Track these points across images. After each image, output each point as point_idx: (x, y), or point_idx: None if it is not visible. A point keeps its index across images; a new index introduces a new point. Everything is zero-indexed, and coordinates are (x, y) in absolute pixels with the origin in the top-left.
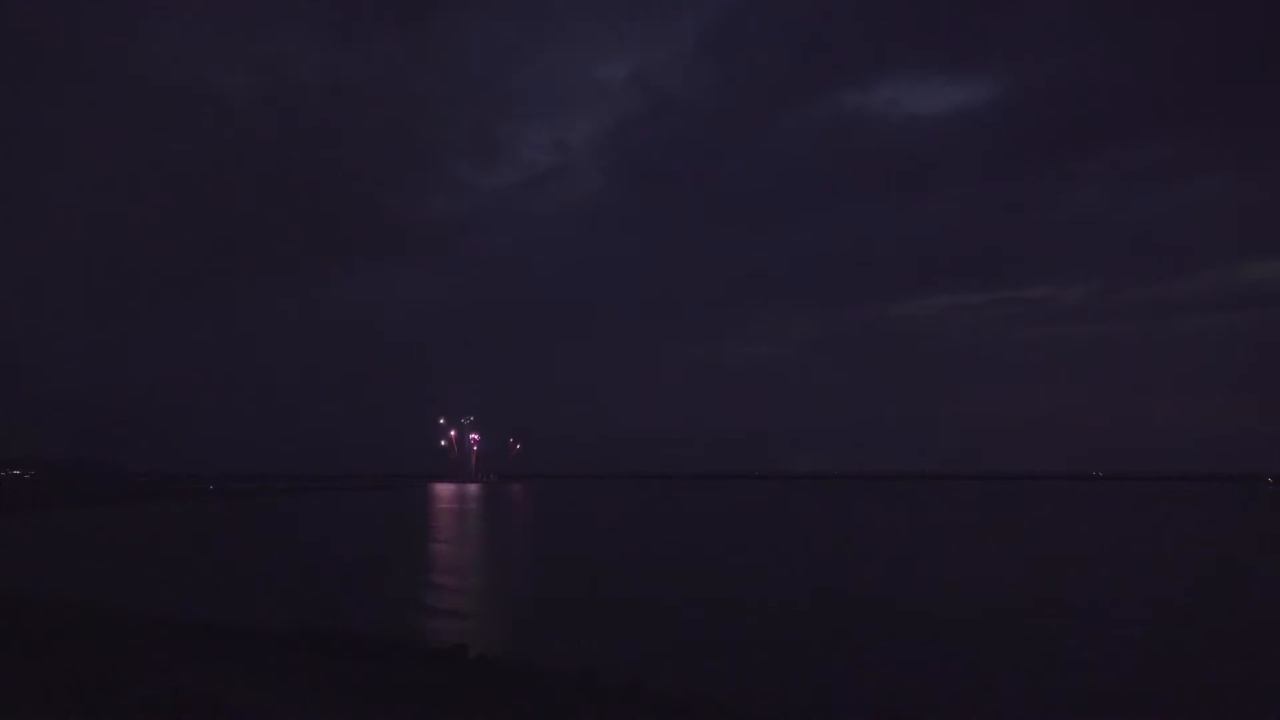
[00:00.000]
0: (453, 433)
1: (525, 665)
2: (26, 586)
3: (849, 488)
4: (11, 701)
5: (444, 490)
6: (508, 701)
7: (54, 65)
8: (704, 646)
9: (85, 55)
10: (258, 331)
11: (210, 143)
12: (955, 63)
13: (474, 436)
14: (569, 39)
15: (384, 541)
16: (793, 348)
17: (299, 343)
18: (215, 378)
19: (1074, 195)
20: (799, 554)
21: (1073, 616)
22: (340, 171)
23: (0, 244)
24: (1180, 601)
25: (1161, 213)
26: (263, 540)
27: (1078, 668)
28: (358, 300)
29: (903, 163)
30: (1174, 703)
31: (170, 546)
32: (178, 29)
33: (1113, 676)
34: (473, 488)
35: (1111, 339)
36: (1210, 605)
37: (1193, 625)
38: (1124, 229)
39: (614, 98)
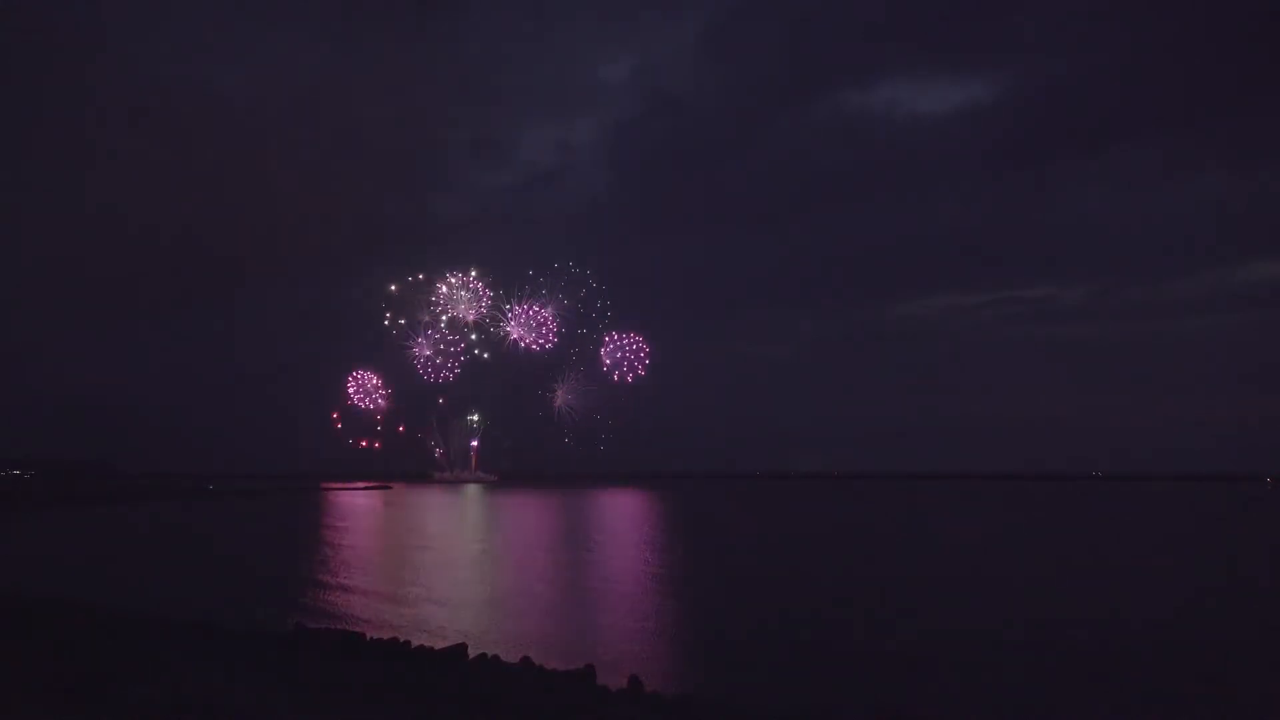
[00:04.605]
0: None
1: (525, 665)
2: (26, 586)
3: (849, 488)
4: (12, 701)
5: (436, 490)
6: (508, 701)
7: (49, 65)
8: (703, 645)
9: (81, 55)
10: (256, 332)
11: (208, 142)
12: (956, 63)
13: (474, 442)
14: (570, 39)
15: (379, 541)
16: (793, 348)
17: (298, 343)
18: (214, 379)
19: (1074, 195)
20: (797, 554)
21: (1072, 616)
22: (341, 172)
23: None
24: (1179, 602)
25: (1161, 213)
26: (262, 540)
27: (1077, 667)
28: (358, 301)
29: (904, 162)
30: (1173, 703)
31: (169, 547)
32: (176, 28)
33: (1112, 677)
34: (471, 488)
35: (1111, 339)
36: (1210, 606)
37: (1192, 626)
38: (1124, 229)
39: (615, 97)
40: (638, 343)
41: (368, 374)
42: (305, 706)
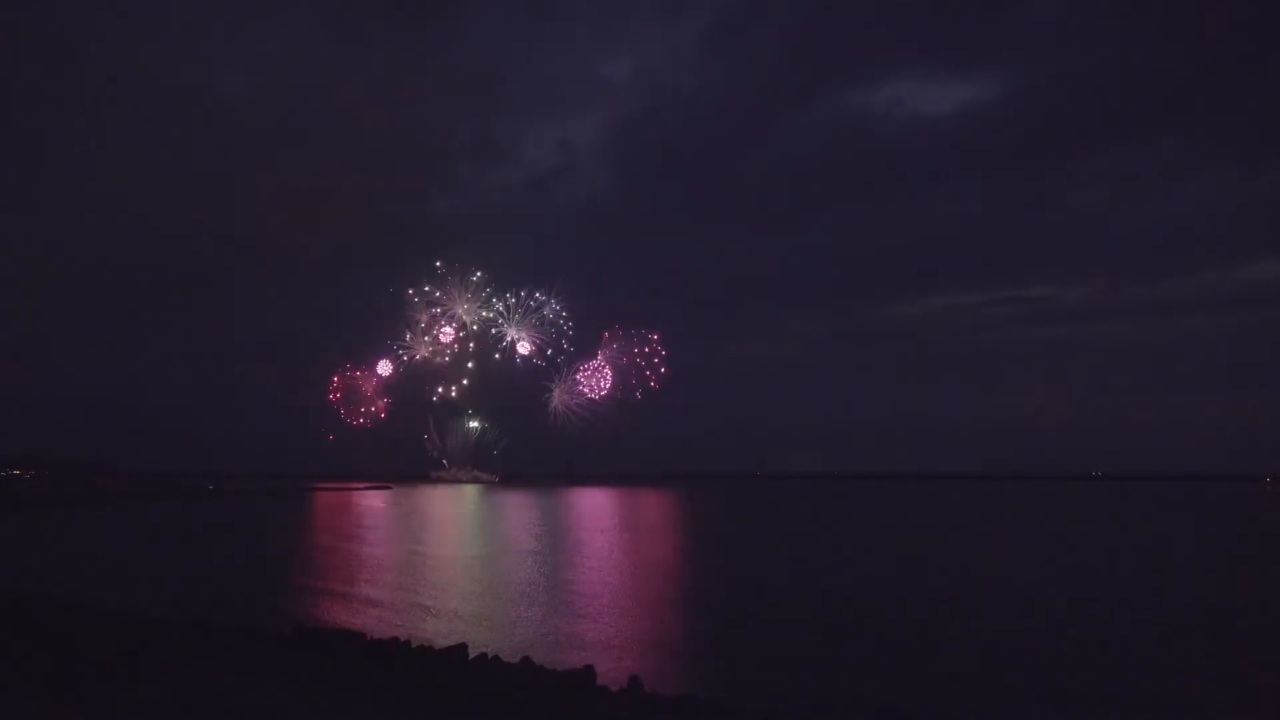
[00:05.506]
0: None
1: (525, 665)
2: (26, 586)
3: (849, 488)
4: (13, 701)
5: (435, 491)
6: (508, 701)
7: (49, 64)
8: (704, 645)
9: (86, 55)
10: (256, 332)
11: (208, 142)
12: (957, 63)
13: (473, 424)
14: (572, 37)
15: (378, 542)
16: (793, 348)
17: (298, 343)
18: (214, 379)
19: (1074, 195)
20: (796, 554)
21: (1071, 617)
22: (341, 172)
23: None
24: (1180, 603)
25: (1161, 213)
26: (261, 540)
27: (1077, 668)
28: (358, 301)
29: (904, 162)
30: (1173, 704)
31: (169, 547)
32: (177, 29)
33: (1112, 677)
34: (470, 488)
35: (1112, 339)
36: (1210, 607)
37: (1192, 627)
38: (1124, 229)
39: (617, 97)
40: (653, 342)
41: (366, 372)
42: (305, 706)
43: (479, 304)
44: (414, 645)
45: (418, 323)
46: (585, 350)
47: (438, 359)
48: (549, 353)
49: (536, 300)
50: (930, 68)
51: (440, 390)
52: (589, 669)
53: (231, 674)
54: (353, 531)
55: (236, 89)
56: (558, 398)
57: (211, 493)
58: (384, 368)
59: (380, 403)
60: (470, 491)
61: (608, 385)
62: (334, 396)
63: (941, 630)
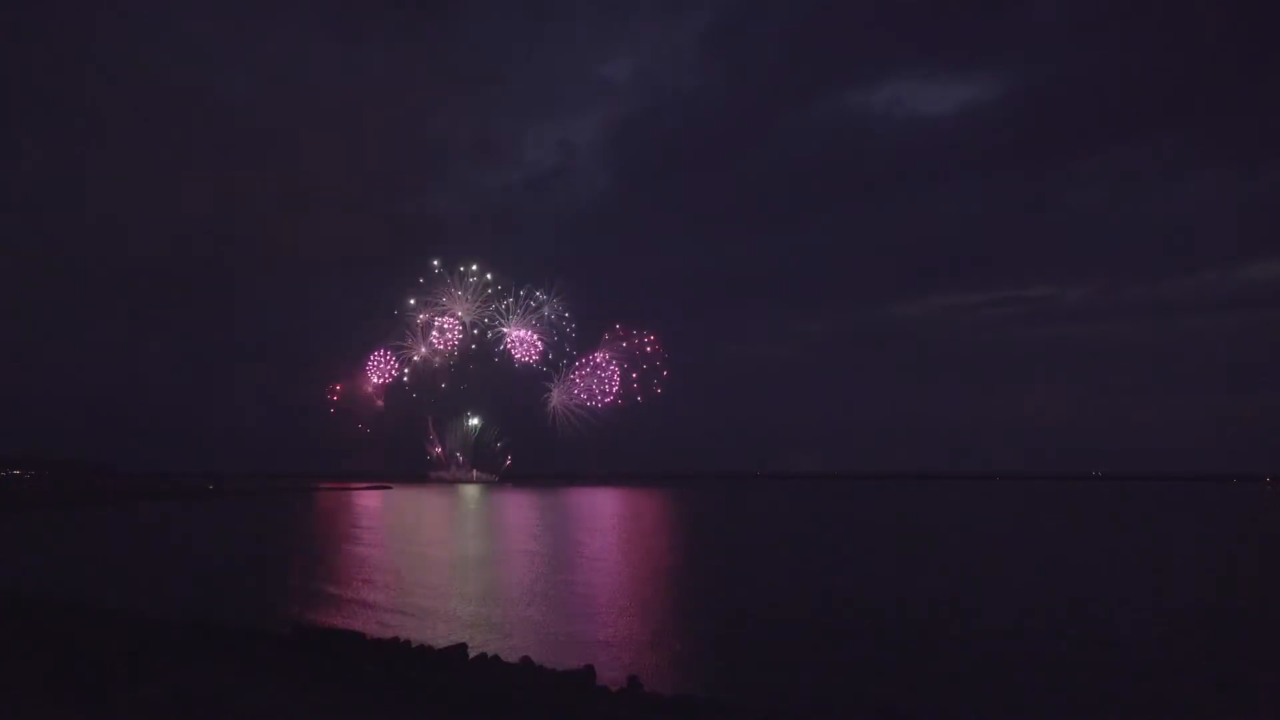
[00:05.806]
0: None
1: (525, 665)
2: (26, 586)
3: (849, 488)
4: (12, 701)
5: (434, 491)
6: (508, 701)
7: (54, 65)
8: (704, 645)
9: (86, 55)
10: (256, 332)
11: (207, 143)
12: (957, 63)
13: (473, 423)
14: (572, 37)
15: (378, 542)
16: (793, 347)
17: (296, 343)
18: (214, 378)
19: (1074, 195)
20: (796, 554)
21: (1071, 617)
22: (340, 172)
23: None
24: (1180, 603)
25: (1161, 213)
26: (260, 540)
27: (1077, 668)
28: (357, 301)
29: (904, 162)
30: (1173, 704)
31: (168, 547)
32: (175, 29)
33: (1112, 677)
34: (470, 488)
35: (1112, 339)
36: (1210, 607)
37: (1192, 627)
38: (1124, 229)
39: (616, 97)
40: (653, 343)
41: (366, 372)
42: (305, 706)
43: (479, 304)
44: (414, 645)
45: (417, 323)
46: (585, 350)
47: (437, 359)
48: (550, 355)
49: (536, 300)
50: (930, 68)
51: (440, 390)
52: (589, 669)
53: (231, 674)
54: (352, 532)
55: (236, 89)
56: (557, 398)
57: (211, 493)
58: (383, 368)
59: (380, 403)
60: (470, 492)
61: (611, 392)
62: (334, 396)
63: (941, 630)
